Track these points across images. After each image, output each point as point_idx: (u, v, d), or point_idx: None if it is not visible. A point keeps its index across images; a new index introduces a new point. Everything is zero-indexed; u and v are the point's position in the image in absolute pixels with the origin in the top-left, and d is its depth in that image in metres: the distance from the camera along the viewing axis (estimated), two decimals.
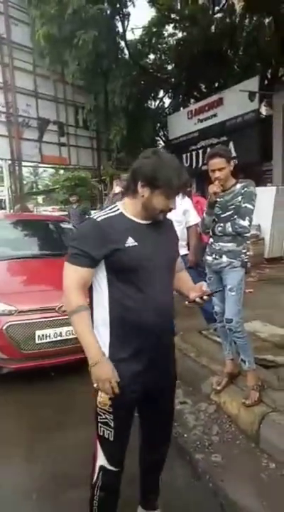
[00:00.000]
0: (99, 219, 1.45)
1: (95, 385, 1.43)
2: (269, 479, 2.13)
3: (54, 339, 3.14)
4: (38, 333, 3.08)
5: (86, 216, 8.65)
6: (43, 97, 12.24)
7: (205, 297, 1.58)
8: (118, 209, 1.50)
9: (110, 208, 1.52)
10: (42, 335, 3.10)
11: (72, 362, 3.18)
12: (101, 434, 1.52)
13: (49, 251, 4.45)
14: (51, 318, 3.15)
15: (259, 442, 2.39)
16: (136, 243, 1.42)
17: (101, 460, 1.54)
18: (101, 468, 1.55)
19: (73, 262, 1.43)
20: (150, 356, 1.48)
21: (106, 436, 1.50)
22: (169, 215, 1.57)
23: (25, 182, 21.39)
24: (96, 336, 1.46)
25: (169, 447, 1.78)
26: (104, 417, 1.49)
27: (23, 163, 12.58)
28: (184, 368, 3.12)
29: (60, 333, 3.16)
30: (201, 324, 3.96)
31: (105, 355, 1.43)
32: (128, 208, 1.50)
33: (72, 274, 1.44)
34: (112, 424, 1.49)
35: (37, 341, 3.08)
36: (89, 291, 1.51)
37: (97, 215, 1.49)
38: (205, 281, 2.32)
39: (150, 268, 1.45)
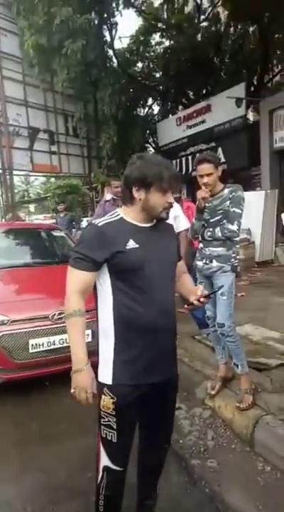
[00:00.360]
0: (100, 224, 1.49)
1: (72, 391, 1.47)
2: (265, 482, 2.14)
3: (47, 348, 3.13)
4: (32, 342, 3.07)
5: (74, 224, 8.62)
6: (33, 106, 12.29)
7: (202, 299, 1.62)
8: (118, 214, 1.54)
9: (110, 214, 1.56)
10: (36, 344, 3.09)
11: (66, 371, 3.17)
12: (104, 436, 1.53)
13: (41, 259, 4.44)
14: (44, 327, 3.13)
15: (254, 446, 2.40)
16: (137, 245, 1.45)
17: (105, 461, 1.56)
18: (105, 468, 1.56)
19: (75, 266, 1.47)
20: (153, 357, 1.50)
21: (109, 438, 1.52)
22: None
23: (16, 191, 21.32)
24: (102, 338, 1.51)
25: (167, 451, 1.79)
26: (106, 419, 1.51)
27: (15, 172, 12.58)
28: (178, 373, 3.12)
29: (54, 341, 3.15)
30: (194, 329, 3.97)
31: (88, 363, 1.47)
32: (128, 214, 1.53)
33: (74, 278, 1.48)
34: (115, 426, 1.50)
35: (30, 350, 3.07)
36: (94, 294, 1.54)
37: (98, 221, 1.51)
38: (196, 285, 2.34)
39: (152, 270, 1.48)
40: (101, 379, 1.51)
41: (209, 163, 2.59)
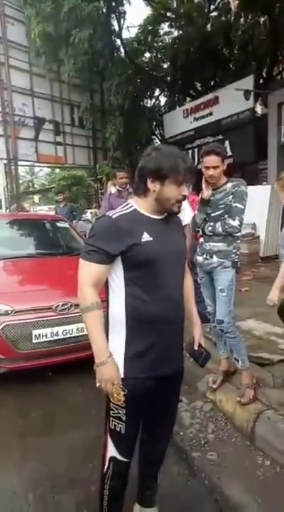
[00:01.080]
0: (114, 216, 1.46)
1: (98, 385, 1.46)
2: (264, 476, 2.16)
3: (51, 339, 3.15)
4: (35, 332, 3.09)
5: (74, 214, 8.52)
6: (39, 96, 12.20)
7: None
8: (131, 206, 1.52)
9: (123, 206, 1.54)
10: (39, 334, 3.10)
11: (69, 361, 3.19)
12: (113, 427, 1.55)
13: (45, 250, 4.45)
14: (48, 318, 3.15)
15: (254, 440, 2.41)
16: (151, 238, 1.45)
17: (112, 452, 1.58)
18: (112, 459, 1.58)
19: (88, 258, 1.45)
20: (163, 349, 1.52)
21: (118, 429, 1.54)
22: None
23: (21, 181, 21.36)
24: (113, 332, 1.51)
25: (169, 442, 1.81)
26: (116, 411, 1.52)
27: (19, 163, 12.54)
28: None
29: (57, 332, 3.16)
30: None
31: (112, 355, 1.46)
32: (141, 205, 1.52)
33: (87, 270, 1.45)
34: (124, 418, 1.52)
35: (33, 341, 3.08)
36: (105, 288, 1.54)
37: (111, 212, 1.49)
38: (196, 280, 2.32)
39: (165, 262, 1.48)
40: None
41: (216, 155, 2.53)
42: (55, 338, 3.16)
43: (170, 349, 1.56)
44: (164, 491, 1.92)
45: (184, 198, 1.51)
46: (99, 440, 1.65)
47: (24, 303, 3.18)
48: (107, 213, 1.51)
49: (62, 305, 3.18)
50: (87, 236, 1.57)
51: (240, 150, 9.38)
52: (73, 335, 3.18)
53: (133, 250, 1.42)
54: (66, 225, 5.23)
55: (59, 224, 5.22)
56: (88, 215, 18.22)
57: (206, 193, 2.60)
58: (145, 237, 1.44)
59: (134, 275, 1.46)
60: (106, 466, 1.60)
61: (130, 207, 1.52)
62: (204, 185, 2.60)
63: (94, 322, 1.44)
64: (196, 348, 1.75)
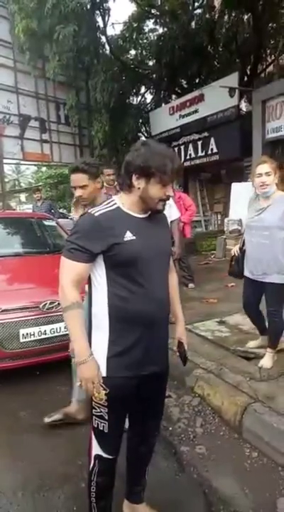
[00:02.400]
0: (96, 214, 1.45)
1: (78, 384, 1.46)
2: (251, 467, 2.20)
3: (38, 337, 3.13)
4: (22, 331, 3.07)
5: (53, 212, 8.47)
6: (24, 93, 12.03)
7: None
8: (115, 203, 1.50)
9: (107, 202, 1.51)
10: (27, 333, 3.09)
11: (56, 360, 3.18)
12: (96, 426, 1.55)
13: (32, 249, 4.43)
14: (35, 317, 3.13)
15: (242, 432, 2.46)
16: (134, 237, 1.44)
17: (97, 450, 1.58)
18: (97, 456, 1.59)
19: (70, 256, 1.44)
20: (147, 348, 1.51)
21: (101, 428, 1.53)
22: None
23: (7, 180, 21.09)
24: (96, 330, 1.50)
25: (156, 438, 1.82)
26: (98, 410, 1.52)
27: (5, 161, 12.38)
28: (169, 362, 3.16)
29: (45, 331, 3.15)
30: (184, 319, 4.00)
31: (92, 354, 1.45)
32: (125, 202, 1.50)
33: (69, 269, 1.44)
34: (106, 417, 1.51)
35: (21, 340, 3.07)
36: (88, 285, 1.53)
37: (95, 209, 1.47)
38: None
39: (148, 261, 1.47)
40: None
41: (83, 173, 2.29)
42: (43, 336, 3.15)
43: (153, 348, 1.54)
44: (153, 485, 1.94)
45: (168, 198, 1.50)
46: (87, 438, 1.65)
47: (11, 302, 3.16)
48: (90, 210, 1.49)
49: (50, 303, 3.16)
50: (70, 233, 1.54)
51: (225, 147, 9.44)
52: (61, 333, 3.17)
53: (115, 249, 1.41)
54: (53, 223, 5.20)
55: (46, 222, 5.19)
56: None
57: None
58: (128, 235, 1.43)
59: (117, 273, 1.45)
60: (91, 464, 1.61)
61: (113, 204, 1.50)
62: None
63: (75, 321, 1.44)
64: (175, 348, 1.79)
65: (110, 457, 1.59)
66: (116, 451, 1.62)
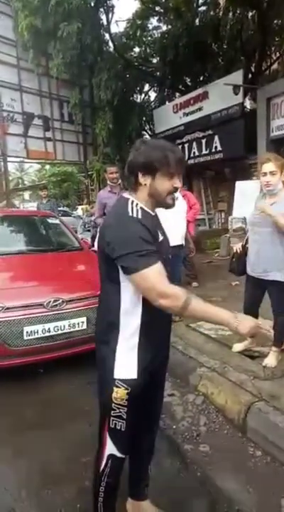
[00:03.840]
0: (138, 216, 1.38)
1: (249, 337, 1.46)
2: (255, 467, 2.19)
3: (42, 335, 3.13)
4: (26, 329, 3.07)
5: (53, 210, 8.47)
6: (28, 91, 12.07)
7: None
8: (137, 203, 1.43)
9: (131, 204, 1.43)
10: (31, 331, 3.09)
11: (60, 358, 3.19)
12: (113, 426, 1.53)
13: (36, 247, 4.42)
14: (39, 314, 3.13)
15: (246, 431, 2.45)
16: (163, 237, 1.45)
17: (111, 449, 1.57)
18: (110, 456, 1.58)
19: (145, 265, 1.32)
20: (161, 344, 1.56)
21: (118, 427, 1.53)
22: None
23: (10, 178, 21.13)
24: (122, 336, 1.46)
25: (156, 434, 1.83)
26: (117, 411, 1.51)
27: (9, 159, 12.42)
28: (172, 361, 3.13)
29: (49, 329, 3.15)
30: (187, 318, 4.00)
31: (235, 312, 1.41)
32: (140, 202, 1.46)
33: (154, 275, 1.33)
34: (125, 416, 1.51)
35: (25, 338, 3.07)
36: (103, 287, 1.53)
37: (132, 213, 1.39)
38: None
39: (165, 261, 1.46)
40: (120, 375, 1.46)
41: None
42: (47, 334, 3.15)
43: (164, 342, 1.60)
44: (157, 483, 1.94)
45: (176, 189, 1.48)
46: (92, 437, 1.65)
47: (15, 300, 3.16)
48: (128, 214, 1.39)
49: (54, 301, 3.17)
50: (123, 246, 1.36)
51: (229, 145, 9.39)
52: (65, 331, 3.17)
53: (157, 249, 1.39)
54: (57, 221, 5.20)
55: (50, 220, 5.19)
56: (79, 211, 18.14)
57: None
58: (160, 236, 1.43)
59: None
60: (103, 464, 1.59)
61: (137, 204, 1.43)
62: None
63: (202, 306, 1.38)
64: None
65: (123, 456, 1.60)
66: (129, 450, 1.63)
